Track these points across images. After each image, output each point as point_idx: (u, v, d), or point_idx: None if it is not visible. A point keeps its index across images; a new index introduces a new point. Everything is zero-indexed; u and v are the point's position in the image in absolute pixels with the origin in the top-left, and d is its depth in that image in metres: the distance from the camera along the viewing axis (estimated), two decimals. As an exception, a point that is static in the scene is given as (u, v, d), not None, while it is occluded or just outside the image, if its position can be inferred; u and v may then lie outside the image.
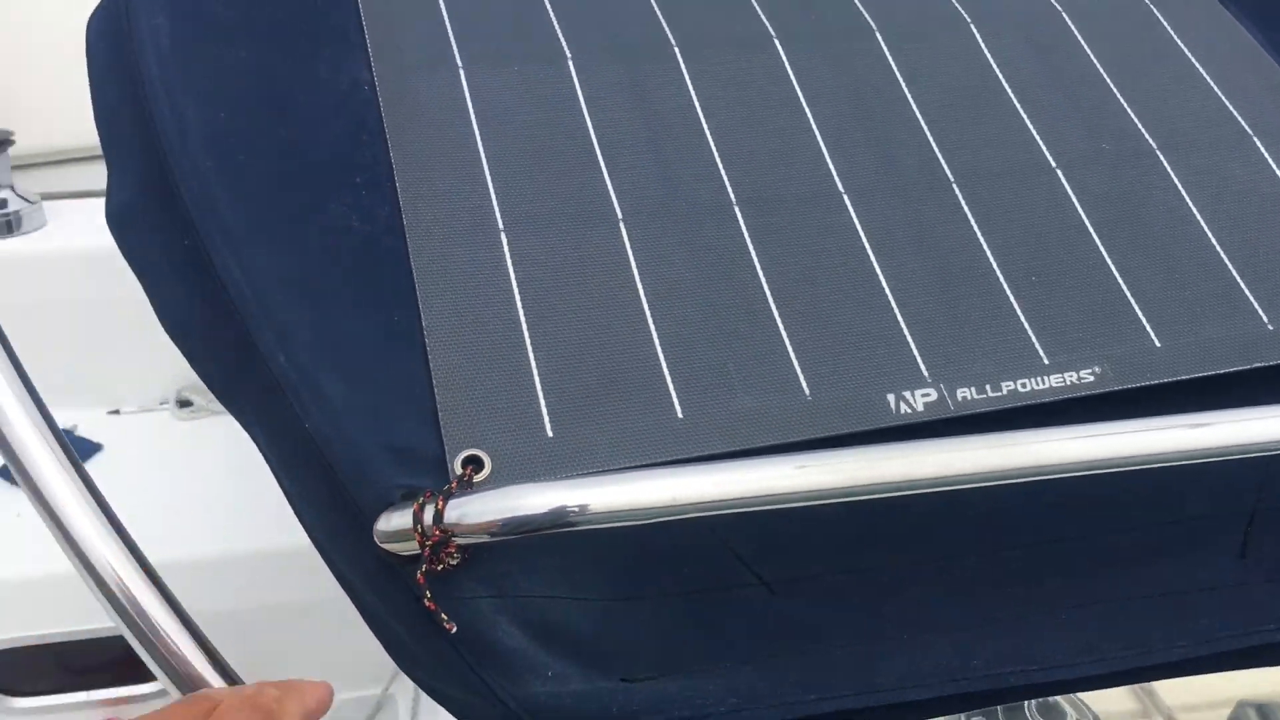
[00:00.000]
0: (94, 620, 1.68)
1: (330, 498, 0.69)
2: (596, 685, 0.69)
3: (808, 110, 0.88)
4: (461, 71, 0.86)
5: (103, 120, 0.80)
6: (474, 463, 0.69)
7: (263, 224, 0.74)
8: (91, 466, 1.86)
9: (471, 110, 0.84)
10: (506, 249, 0.78)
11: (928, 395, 0.76)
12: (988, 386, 0.77)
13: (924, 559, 0.78)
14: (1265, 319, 0.81)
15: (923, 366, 0.77)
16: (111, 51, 0.82)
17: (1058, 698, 1.25)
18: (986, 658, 0.75)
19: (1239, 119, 0.91)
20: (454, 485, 0.67)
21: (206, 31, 0.82)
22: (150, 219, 0.75)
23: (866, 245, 0.82)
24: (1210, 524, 0.82)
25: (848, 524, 0.77)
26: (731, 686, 0.71)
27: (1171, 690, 1.45)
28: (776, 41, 0.93)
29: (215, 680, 0.76)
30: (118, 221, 0.77)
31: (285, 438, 0.71)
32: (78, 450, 2.02)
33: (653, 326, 0.76)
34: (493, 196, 0.80)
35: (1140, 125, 0.90)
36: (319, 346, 0.71)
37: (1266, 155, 0.89)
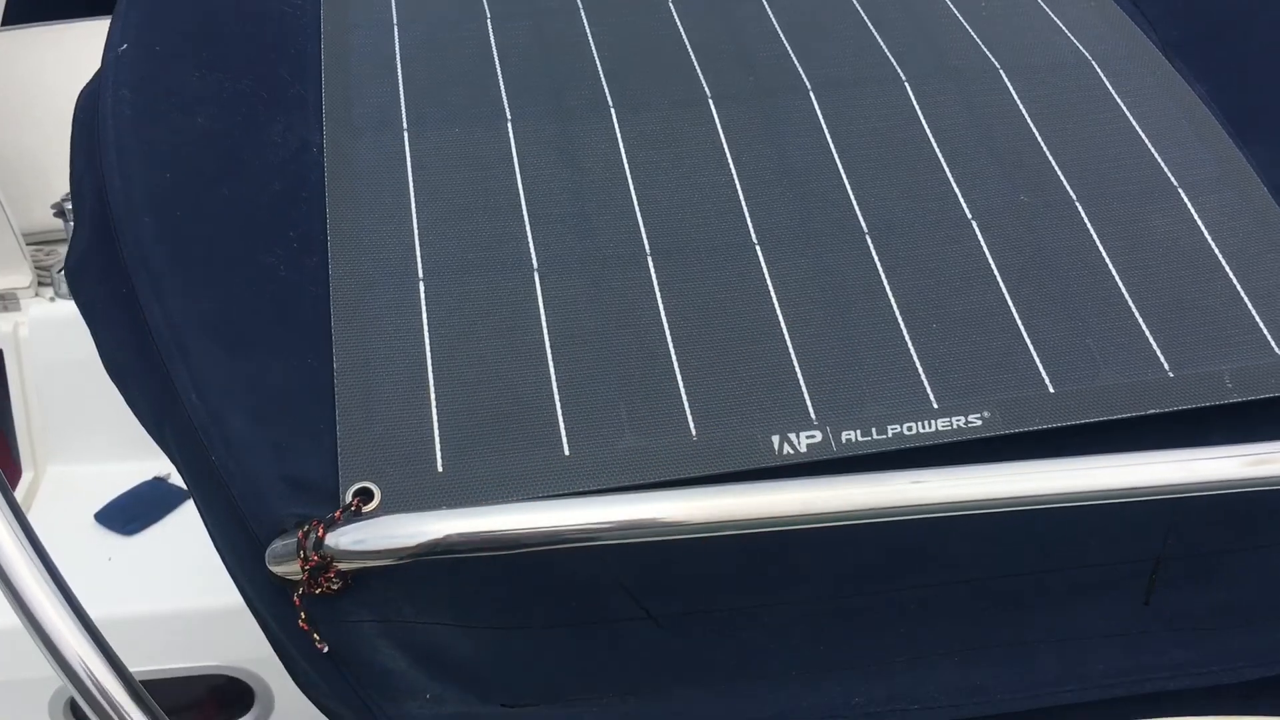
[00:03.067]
0: (181, 658, 1.78)
1: (234, 525, 0.75)
2: (473, 709, 0.73)
3: (732, 165, 0.92)
4: (405, 133, 0.93)
5: (73, 183, 0.89)
6: (364, 494, 0.74)
7: (190, 274, 0.81)
8: (181, 513, 1.99)
9: (410, 169, 0.90)
10: (423, 295, 0.83)
11: (812, 437, 0.78)
12: (873, 429, 0.79)
13: (814, 598, 0.80)
14: (1166, 366, 0.81)
15: (811, 409, 0.80)
16: (85, 122, 0.91)
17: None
18: (869, 696, 0.76)
19: (1167, 172, 0.92)
20: (339, 515, 0.72)
21: (168, 101, 0.91)
22: (96, 271, 0.84)
23: (772, 293, 0.85)
24: (1114, 571, 0.82)
25: (737, 563, 0.79)
26: (605, 717, 0.74)
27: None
28: (711, 101, 0.97)
29: None
30: (71, 274, 0.86)
31: (198, 470, 0.77)
32: (168, 498, 2.14)
33: (552, 369, 0.81)
34: (417, 247, 0.86)
35: (1063, 177, 0.92)
36: (229, 387, 0.77)
37: (1190, 208, 0.90)
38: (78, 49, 2.25)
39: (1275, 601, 0.80)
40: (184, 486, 2.03)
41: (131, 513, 2.02)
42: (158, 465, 2.07)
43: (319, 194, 0.88)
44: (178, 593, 1.81)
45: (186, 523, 1.99)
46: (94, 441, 2.09)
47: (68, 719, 1.86)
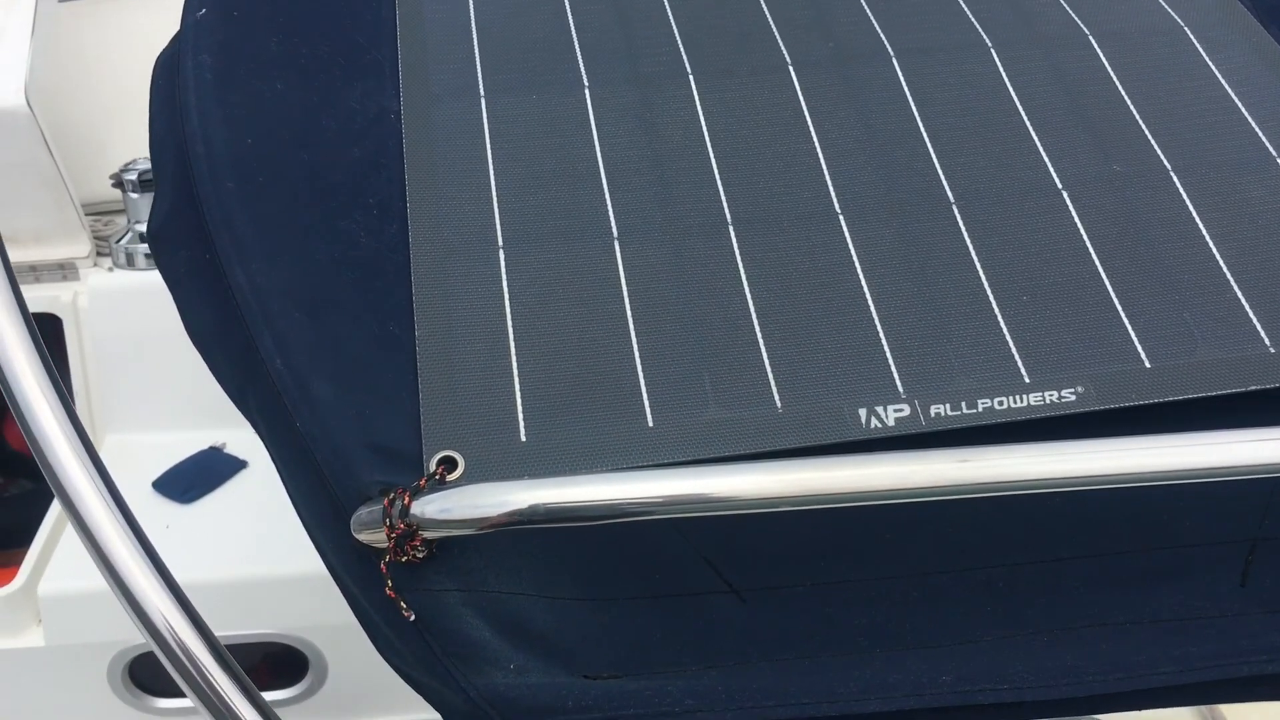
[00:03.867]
0: (237, 625, 1.80)
1: (318, 491, 0.75)
2: (556, 680, 0.73)
3: (814, 133, 0.91)
4: (483, 100, 0.92)
5: (153, 149, 0.89)
6: (448, 463, 0.74)
7: (273, 239, 0.81)
8: (238, 482, 2.01)
9: (487, 136, 0.89)
10: (503, 264, 0.82)
11: (900, 411, 0.77)
12: (963, 403, 0.77)
13: (901, 575, 0.79)
14: (1267, 341, 0.79)
15: (899, 382, 0.78)
16: (164, 87, 0.91)
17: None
18: (958, 674, 0.75)
19: (1265, 142, 0.89)
20: (424, 482, 0.72)
21: (248, 67, 0.90)
22: (180, 236, 0.83)
23: (856, 263, 0.83)
24: (1210, 551, 0.80)
25: (823, 537, 0.78)
26: (692, 689, 0.73)
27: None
28: (791, 68, 0.95)
29: (245, 709, 0.75)
30: (154, 238, 0.86)
31: (282, 436, 0.77)
32: (224, 467, 2.16)
33: (634, 339, 0.79)
34: (496, 216, 0.85)
35: (1157, 147, 0.89)
36: (314, 353, 0.77)
37: None
38: (134, 21, 2.26)
39: None
40: (239, 456, 2.07)
41: (189, 481, 2.04)
42: (214, 435, 2.09)
43: (397, 161, 0.87)
44: (234, 560, 1.83)
45: (243, 491, 2.01)
46: (151, 410, 2.11)
47: (127, 684, 1.88)
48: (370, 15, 0.97)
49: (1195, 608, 0.79)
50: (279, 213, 0.82)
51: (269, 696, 1.87)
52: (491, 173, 0.87)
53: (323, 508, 0.75)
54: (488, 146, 0.89)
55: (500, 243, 0.84)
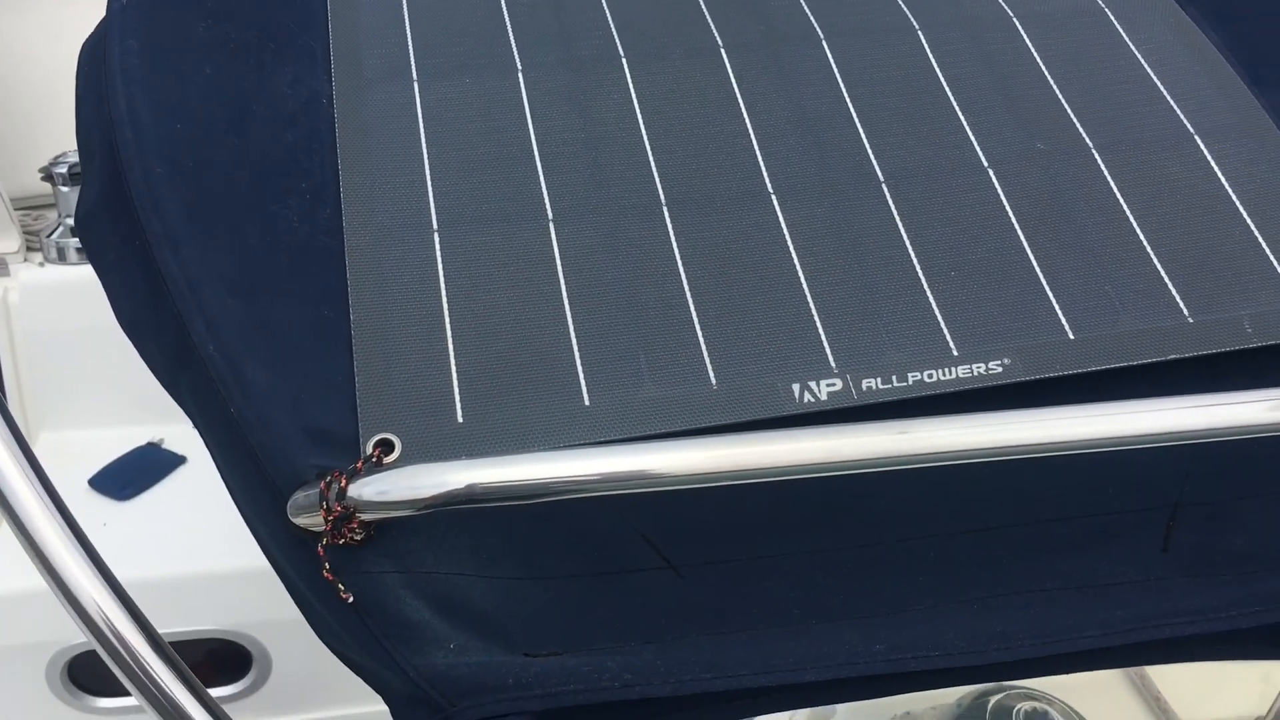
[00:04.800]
0: (178, 622, 1.78)
1: (253, 476, 0.75)
2: (496, 658, 0.73)
3: (746, 114, 0.91)
4: (416, 84, 0.92)
5: (80, 135, 0.88)
6: (385, 445, 0.74)
7: (204, 224, 0.80)
8: (176, 478, 1.98)
9: (421, 120, 0.89)
10: (438, 247, 0.82)
11: (833, 385, 0.78)
12: (894, 377, 0.79)
13: (836, 547, 0.80)
14: (1186, 312, 0.81)
15: (830, 357, 0.79)
16: (91, 73, 0.90)
17: (1049, 708, 1.24)
18: (890, 643, 0.76)
19: (1183, 120, 0.91)
20: (360, 465, 0.72)
21: (175, 51, 0.89)
22: (108, 222, 0.82)
23: (789, 242, 0.84)
24: (1134, 518, 0.82)
25: (759, 512, 0.79)
26: (630, 664, 0.74)
27: (1188, 705, 1.42)
28: (723, 50, 0.96)
29: (189, 704, 0.75)
30: (82, 225, 0.85)
31: (216, 422, 0.77)
32: (162, 463, 2.13)
33: (570, 319, 0.80)
34: (430, 199, 0.85)
35: (1079, 125, 0.91)
36: (247, 337, 0.76)
37: (1207, 155, 0.89)
38: (61, 12, 2.22)
39: None
40: (177, 452, 2.04)
41: (126, 478, 2.01)
42: (151, 430, 2.07)
43: (330, 146, 0.87)
44: (174, 556, 1.81)
45: (181, 487, 1.98)
46: (86, 407, 2.08)
47: (66, 684, 1.86)
48: (301, 1, 0.97)
49: (1120, 573, 0.81)
50: (209, 198, 0.82)
51: (213, 694, 1.86)
52: (425, 156, 0.87)
53: (259, 493, 0.75)
54: (421, 130, 0.89)
55: (435, 226, 0.84)
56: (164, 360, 0.80)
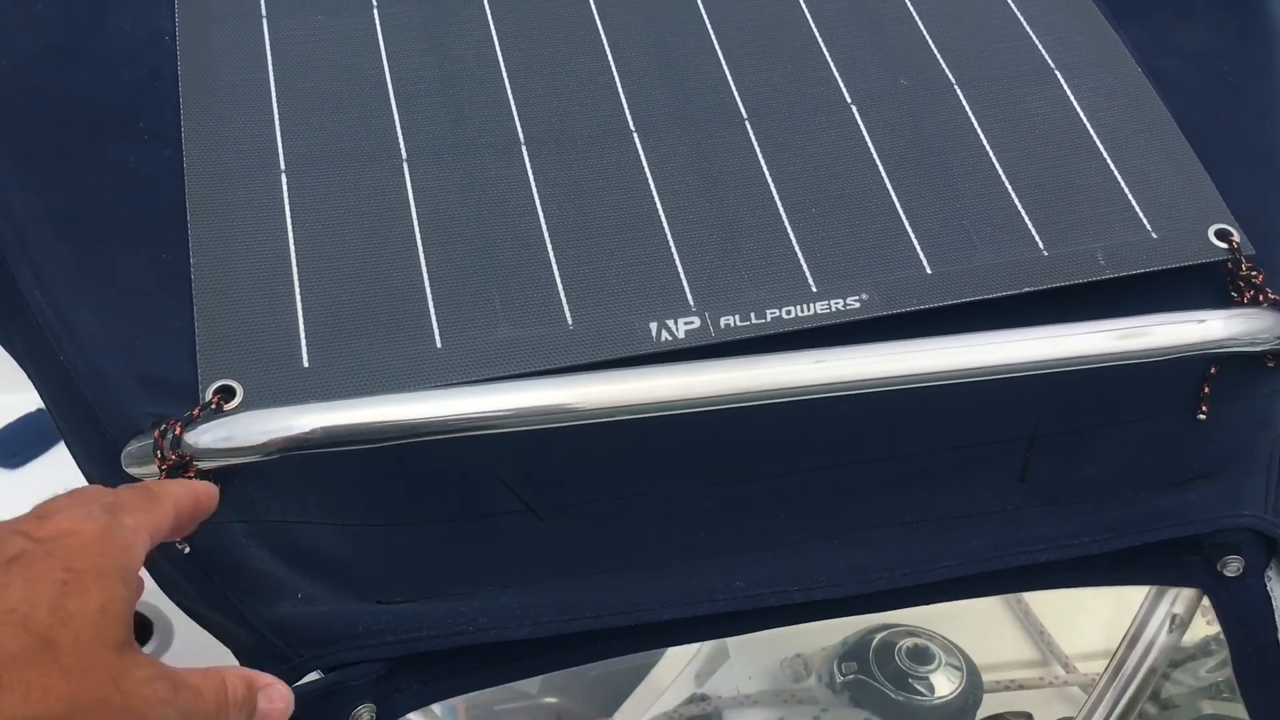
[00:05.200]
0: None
1: (87, 427, 0.72)
2: (346, 606, 0.71)
3: (609, 52, 0.90)
4: (265, 20, 0.88)
5: None
6: (225, 392, 0.71)
7: (35, 167, 0.77)
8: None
9: (270, 57, 0.86)
10: (285, 188, 0.80)
11: (690, 324, 0.77)
12: (752, 314, 0.78)
13: (695, 486, 0.80)
14: (1042, 246, 0.82)
15: (689, 295, 0.78)
16: None
17: (930, 644, 1.26)
18: (750, 579, 0.76)
19: (1045, 55, 0.91)
20: (198, 412, 0.69)
21: None
22: None
23: (650, 180, 0.83)
24: (991, 450, 0.83)
25: (618, 453, 0.79)
26: (486, 608, 0.73)
27: (1069, 639, 1.45)
28: None
29: None
30: None
31: (47, 373, 0.74)
32: (52, 430, 2.08)
33: (423, 261, 0.78)
34: (278, 138, 0.82)
35: (942, 61, 0.91)
36: (78, 283, 0.73)
37: (1068, 90, 0.90)
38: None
39: (1140, 474, 0.82)
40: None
41: (14, 446, 1.95)
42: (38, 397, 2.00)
43: (171, 84, 0.83)
44: (66, 525, 1.76)
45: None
46: (-30, 373, 2.01)
47: None
48: None
49: (977, 504, 0.82)
50: (41, 139, 0.78)
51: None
52: (274, 95, 0.84)
53: (93, 444, 0.72)
54: (270, 68, 0.85)
55: (283, 166, 0.81)
56: None
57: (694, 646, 1.50)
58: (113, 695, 0.47)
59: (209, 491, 0.63)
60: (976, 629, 1.40)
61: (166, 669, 0.51)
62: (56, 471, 1.90)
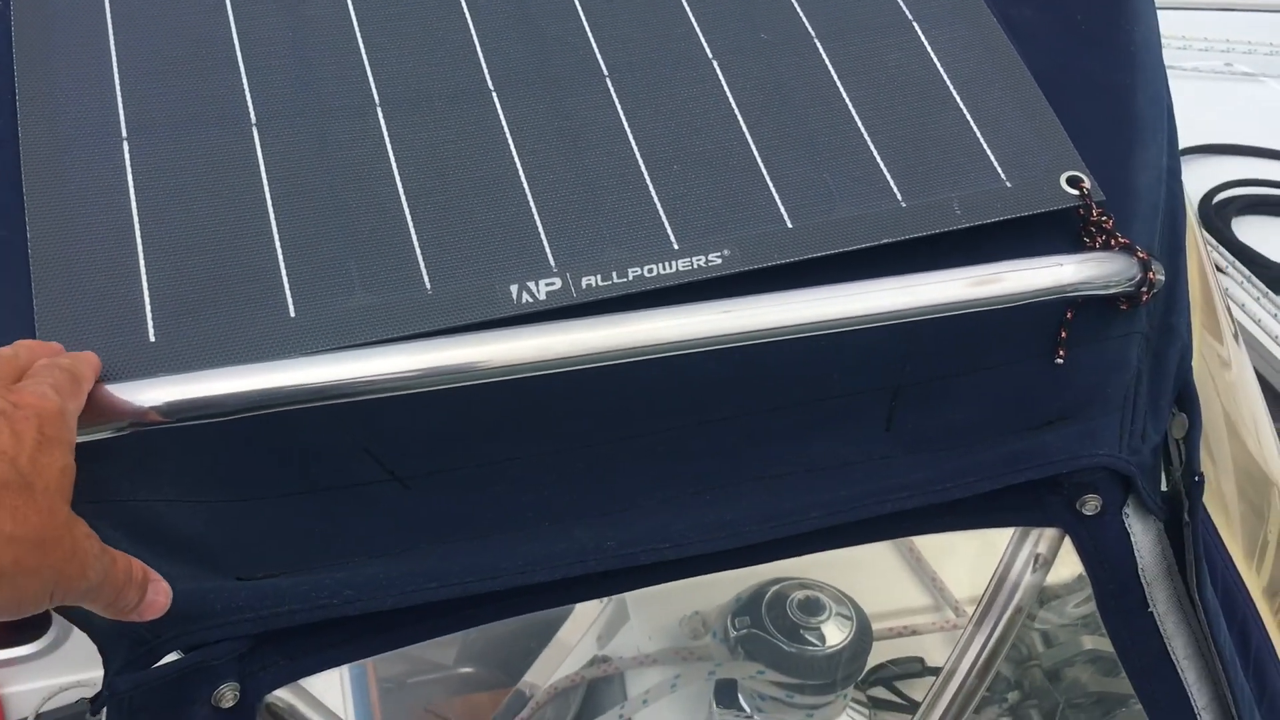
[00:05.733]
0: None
1: None
2: (204, 585, 0.70)
3: (466, 10, 0.88)
4: None
5: None
6: None
7: None
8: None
9: (110, 18, 0.83)
10: (127, 155, 0.77)
11: (551, 284, 0.76)
12: (614, 273, 0.77)
13: (560, 449, 0.79)
14: (900, 197, 0.82)
15: (550, 256, 0.78)
16: None
17: (820, 595, 1.28)
18: (621, 539, 0.76)
19: (902, 6, 0.92)
20: None
21: None
22: None
23: (509, 140, 0.82)
24: (857, 400, 0.84)
25: (484, 417, 0.78)
26: (351, 580, 0.72)
27: (960, 585, 1.49)
28: None
29: None
30: None
31: None
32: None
33: (275, 228, 0.76)
34: (119, 103, 0.79)
35: (802, 14, 0.91)
36: None
37: (925, 41, 0.90)
38: None
39: (1002, 418, 0.84)
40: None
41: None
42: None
43: (4, 49, 0.80)
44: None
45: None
46: None
47: None
48: None
49: (845, 454, 0.82)
50: None
51: (13, 654, 1.77)
52: (114, 58, 0.81)
53: None
54: (109, 30, 0.82)
55: (124, 134, 0.78)
56: None
57: (595, 607, 1.50)
58: (65, 537, 0.57)
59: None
60: (871, 578, 1.42)
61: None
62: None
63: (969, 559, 1.49)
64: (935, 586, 1.47)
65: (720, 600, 1.37)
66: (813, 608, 1.27)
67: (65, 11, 0.82)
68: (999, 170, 0.84)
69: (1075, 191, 0.83)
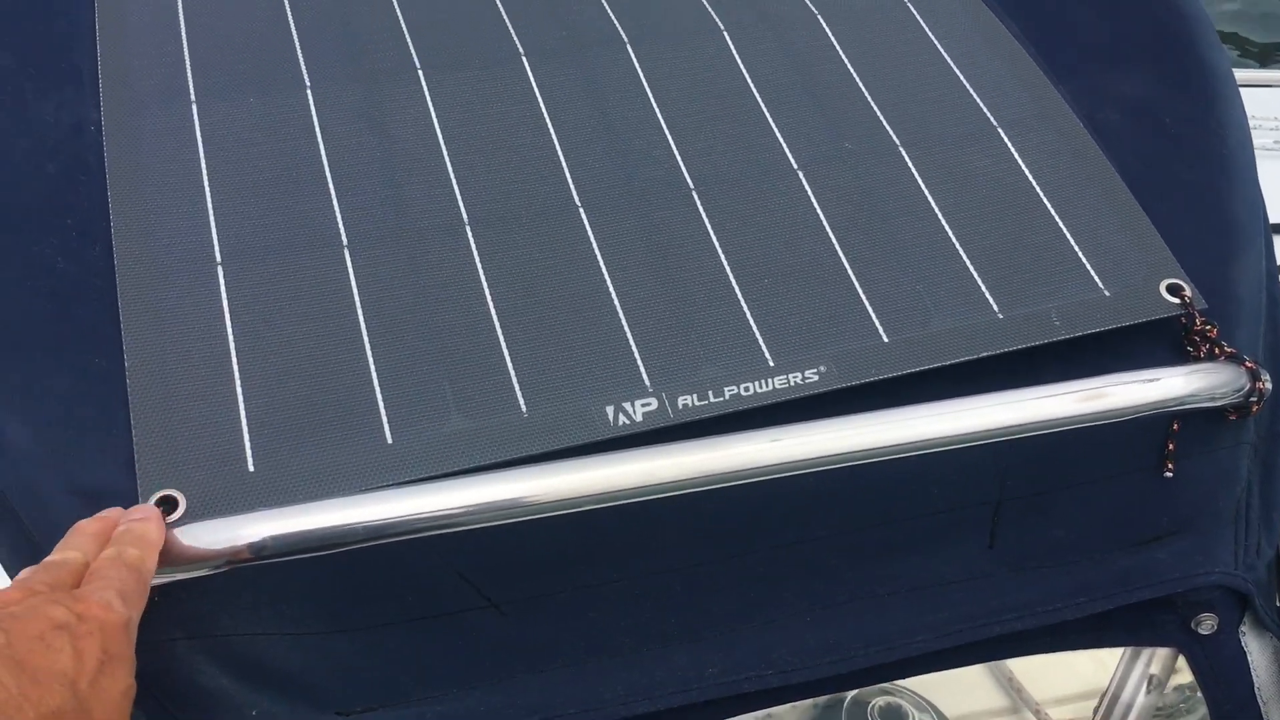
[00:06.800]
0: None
1: (21, 543, 0.68)
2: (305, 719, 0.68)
3: (550, 126, 0.88)
4: (194, 104, 0.86)
5: None
6: (167, 502, 0.68)
7: None
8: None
9: (200, 143, 0.83)
10: (222, 282, 0.77)
11: (648, 405, 0.75)
12: (710, 392, 0.76)
13: (661, 570, 0.78)
14: (996, 309, 0.81)
15: (645, 376, 0.76)
16: None
17: (901, 701, 1.24)
18: (723, 665, 0.74)
19: (986, 113, 0.91)
20: None
21: None
22: None
23: (599, 256, 0.81)
24: (957, 516, 0.81)
25: (580, 541, 0.76)
26: (450, 713, 0.70)
27: (1040, 684, 1.44)
28: (524, 59, 0.92)
29: None
30: None
31: None
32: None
33: (369, 352, 0.75)
34: (213, 229, 0.79)
35: (886, 124, 0.90)
36: (4, 393, 0.70)
37: (1010, 146, 0.89)
38: None
39: (1106, 534, 0.81)
40: None
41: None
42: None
43: (99, 176, 0.80)
44: None
45: None
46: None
47: None
48: (66, 18, 0.89)
49: (946, 573, 0.80)
50: None
51: None
52: (206, 183, 0.81)
53: (27, 560, 0.68)
54: (201, 155, 0.83)
55: (218, 259, 0.78)
56: None
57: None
58: None
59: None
60: (947, 680, 1.38)
61: None
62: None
63: (1048, 658, 1.44)
64: (1013, 687, 1.43)
65: (796, 704, 1.33)
66: (894, 715, 1.23)
67: (157, 136, 0.83)
68: (1096, 279, 0.82)
69: (1176, 300, 0.81)
